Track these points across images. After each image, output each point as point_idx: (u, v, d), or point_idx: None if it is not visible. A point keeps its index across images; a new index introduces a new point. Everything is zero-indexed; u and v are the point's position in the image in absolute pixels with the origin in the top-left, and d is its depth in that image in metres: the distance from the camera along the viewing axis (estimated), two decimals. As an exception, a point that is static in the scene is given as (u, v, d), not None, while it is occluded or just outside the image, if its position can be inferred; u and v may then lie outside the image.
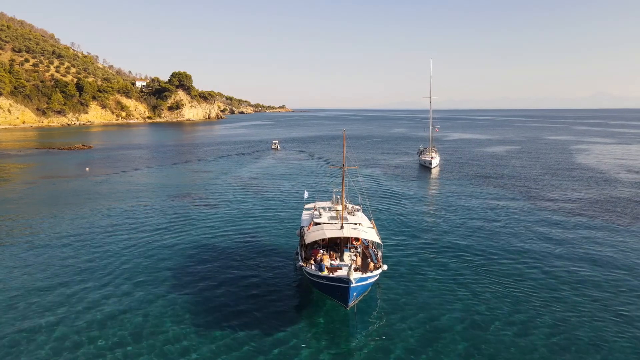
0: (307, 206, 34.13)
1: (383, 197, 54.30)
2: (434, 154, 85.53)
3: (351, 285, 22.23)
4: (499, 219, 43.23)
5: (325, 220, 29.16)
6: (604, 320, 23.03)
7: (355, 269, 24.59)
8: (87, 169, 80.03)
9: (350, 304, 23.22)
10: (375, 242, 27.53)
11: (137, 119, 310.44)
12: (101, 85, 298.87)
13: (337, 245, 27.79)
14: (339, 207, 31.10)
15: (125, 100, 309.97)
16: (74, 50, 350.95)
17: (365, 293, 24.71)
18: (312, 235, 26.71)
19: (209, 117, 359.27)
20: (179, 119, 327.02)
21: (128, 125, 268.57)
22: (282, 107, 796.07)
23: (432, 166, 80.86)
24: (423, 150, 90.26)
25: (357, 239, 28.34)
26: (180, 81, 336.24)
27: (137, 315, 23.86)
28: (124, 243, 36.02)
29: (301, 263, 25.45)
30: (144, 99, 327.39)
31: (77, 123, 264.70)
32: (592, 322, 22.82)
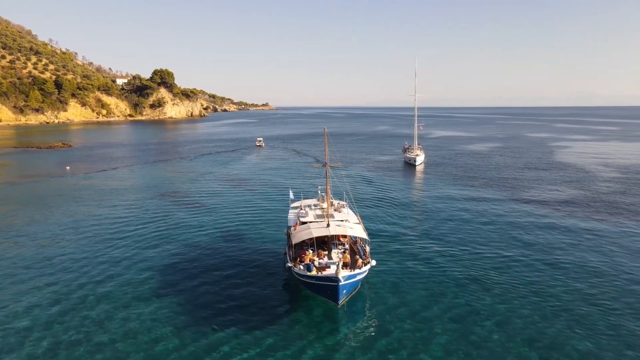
0: (293, 205, 33.93)
1: (369, 194, 54.51)
2: (418, 152, 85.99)
3: (340, 284, 22.24)
4: (484, 215, 43.75)
5: (311, 218, 29.11)
6: (581, 308, 23.58)
7: (344, 266, 24.61)
8: (68, 167, 78.43)
9: (341, 302, 23.24)
10: (363, 238, 27.57)
11: (118, 117, 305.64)
12: (81, 82, 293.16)
13: (324, 243, 27.75)
14: (325, 205, 31.10)
15: (105, 98, 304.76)
16: (52, 46, 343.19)
17: (356, 289, 24.78)
18: (300, 235, 26.63)
19: (191, 115, 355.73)
20: (161, 117, 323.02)
21: (109, 123, 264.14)
22: (265, 105, 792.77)
23: (417, 164, 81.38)
24: (408, 148, 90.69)
25: (344, 236, 28.34)
26: (162, 79, 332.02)
27: (121, 316, 23.48)
28: (107, 243, 35.45)
29: (290, 264, 25.39)
30: (125, 97, 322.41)
31: (56, 121, 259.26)
32: (572, 311, 23.34)
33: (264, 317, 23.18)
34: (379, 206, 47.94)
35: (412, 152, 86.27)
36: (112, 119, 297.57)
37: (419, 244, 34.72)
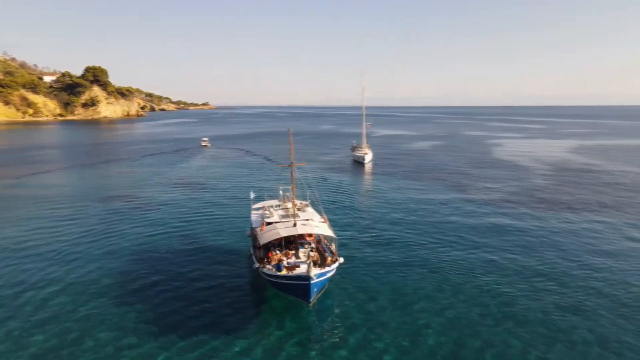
0: (255, 206, 33.31)
1: (323, 193, 54.84)
2: (367, 150, 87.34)
3: (312, 282, 22.17)
4: (431, 210, 45.42)
5: (276, 219, 28.78)
6: (515, 293, 25.24)
7: (314, 265, 24.54)
8: (-6, 172, 72.14)
9: (312, 301, 23.16)
10: (329, 236, 27.64)
11: (47, 116, 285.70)
12: (3, 79, 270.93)
13: (291, 243, 27.52)
14: (289, 205, 30.82)
15: (32, 96, 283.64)
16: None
17: (324, 288, 24.79)
18: (267, 235, 26.25)
19: (128, 115, 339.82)
20: (95, 117, 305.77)
21: (37, 123, 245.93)
22: (206, 104, 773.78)
23: (366, 162, 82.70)
24: (356, 147, 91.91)
25: (310, 235, 28.29)
26: (95, 76, 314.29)
27: (72, 327, 22.12)
28: (49, 254, 32.99)
29: (257, 265, 24.92)
30: (55, 95, 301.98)
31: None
32: (504, 295, 24.89)
33: (232, 320, 22.69)
34: (334, 204, 48.29)
35: (360, 151, 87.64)
36: (40, 118, 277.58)
37: (377, 240, 35.44)
